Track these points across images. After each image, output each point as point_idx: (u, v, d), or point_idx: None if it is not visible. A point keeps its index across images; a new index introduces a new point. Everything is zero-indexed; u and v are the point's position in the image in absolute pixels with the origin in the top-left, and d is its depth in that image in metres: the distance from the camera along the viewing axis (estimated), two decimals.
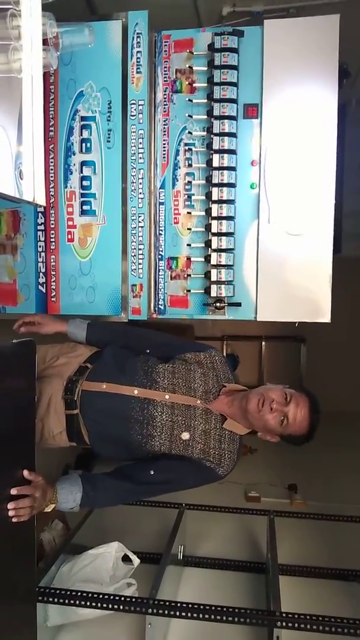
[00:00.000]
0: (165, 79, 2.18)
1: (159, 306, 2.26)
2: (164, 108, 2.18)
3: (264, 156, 2.12)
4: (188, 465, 1.59)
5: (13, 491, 1.37)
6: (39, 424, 1.64)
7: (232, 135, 2.08)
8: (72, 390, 1.66)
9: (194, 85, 2.15)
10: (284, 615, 1.91)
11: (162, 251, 2.24)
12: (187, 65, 2.15)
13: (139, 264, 2.19)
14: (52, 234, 2.24)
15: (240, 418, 1.59)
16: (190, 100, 2.15)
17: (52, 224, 2.24)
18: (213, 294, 2.15)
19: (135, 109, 2.14)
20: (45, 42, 1.22)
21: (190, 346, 1.76)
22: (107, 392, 1.63)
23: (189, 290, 2.21)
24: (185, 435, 1.57)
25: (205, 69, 2.12)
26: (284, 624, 1.88)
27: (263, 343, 5.44)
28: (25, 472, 1.42)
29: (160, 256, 2.24)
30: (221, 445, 1.59)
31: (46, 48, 1.21)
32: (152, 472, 1.58)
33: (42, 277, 2.27)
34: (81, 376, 1.68)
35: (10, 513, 1.36)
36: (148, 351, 1.73)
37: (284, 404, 1.52)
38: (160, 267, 2.24)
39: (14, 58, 1.14)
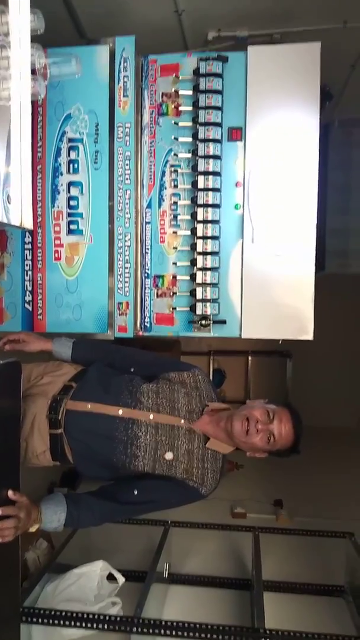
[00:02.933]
0: (151, 102, 2.23)
1: (145, 324, 2.28)
2: (150, 130, 2.23)
3: (247, 178, 2.17)
4: (171, 484, 1.60)
5: None
6: (23, 443, 1.64)
7: (216, 157, 2.13)
8: (56, 410, 1.66)
9: (179, 108, 2.20)
10: (268, 632, 1.91)
11: (148, 269, 2.27)
12: (173, 89, 2.20)
13: (126, 282, 2.22)
14: (39, 252, 2.27)
15: (224, 438, 1.60)
16: (176, 123, 2.20)
17: (40, 242, 2.26)
18: (198, 311, 2.18)
19: (122, 131, 2.18)
20: (33, 71, 1.25)
21: (173, 365, 1.77)
22: (92, 412, 1.63)
23: (174, 308, 2.24)
24: (169, 455, 1.58)
25: (191, 93, 2.17)
26: None
27: (249, 358, 5.48)
28: (10, 493, 1.42)
29: (146, 274, 2.27)
30: (204, 465, 1.61)
31: (34, 77, 1.25)
32: (135, 492, 1.59)
33: (29, 295, 2.28)
34: (65, 395, 1.68)
35: None
36: (132, 370, 1.74)
37: (268, 422, 1.54)
38: (146, 285, 2.27)
39: (2, 87, 1.17)
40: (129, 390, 1.65)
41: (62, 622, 1.97)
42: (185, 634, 1.92)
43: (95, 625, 1.98)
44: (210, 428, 1.62)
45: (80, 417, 1.64)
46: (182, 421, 1.61)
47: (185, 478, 1.60)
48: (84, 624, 1.97)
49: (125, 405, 1.62)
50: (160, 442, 1.59)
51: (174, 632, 1.92)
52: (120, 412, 1.61)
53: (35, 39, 1.23)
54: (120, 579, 2.34)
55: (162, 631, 1.93)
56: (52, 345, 1.81)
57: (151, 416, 1.60)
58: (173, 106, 2.21)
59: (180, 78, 2.19)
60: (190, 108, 2.17)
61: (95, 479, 1.72)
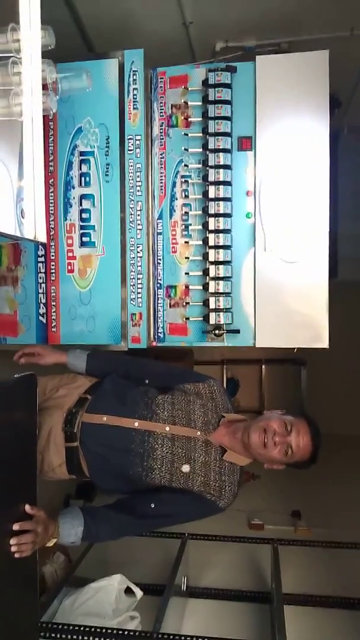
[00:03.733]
0: (161, 114, 2.24)
1: (159, 334, 2.28)
2: (161, 142, 2.24)
3: (258, 186, 2.17)
4: (189, 498, 1.59)
5: (15, 527, 1.37)
6: (39, 456, 1.64)
7: (227, 167, 2.14)
8: (72, 423, 1.65)
9: (189, 119, 2.21)
10: None
11: (160, 280, 2.27)
12: (183, 101, 2.22)
13: (138, 293, 2.22)
14: (53, 265, 2.28)
15: (241, 450, 1.58)
16: (186, 134, 2.20)
17: (53, 255, 2.28)
18: (212, 321, 2.18)
19: (132, 144, 2.19)
20: (45, 86, 1.27)
21: (189, 376, 1.76)
22: (108, 424, 1.62)
23: (187, 318, 2.24)
24: (186, 468, 1.56)
25: (200, 103, 2.18)
26: None
27: (263, 367, 5.45)
28: (27, 507, 1.42)
29: (159, 285, 2.27)
30: (222, 477, 1.59)
31: (46, 92, 1.26)
32: (152, 505, 1.58)
33: (43, 308, 2.29)
34: (81, 408, 1.68)
35: (13, 549, 1.35)
36: (147, 381, 1.73)
37: (286, 434, 1.52)
38: (159, 296, 2.27)
39: (14, 102, 1.18)
40: (145, 402, 1.64)
41: (80, 637, 1.95)
42: None
43: None
44: (227, 440, 1.60)
45: (96, 429, 1.63)
46: (199, 433, 1.60)
47: (202, 491, 1.58)
48: (102, 639, 1.95)
49: (141, 417, 1.61)
50: (176, 454, 1.57)
51: None
52: (136, 424, 1.60)
53: (45, 54, 1.25)
54: (139, 593, 2.32)
55: None
56: (67, 357, 1.81)
57: (167, 428, 1.59)
58: (182, 117, 2.22)
59: (189, 89, 2.21)
60: (199, 119, 2.18)
61: (112, 492, 1.71)
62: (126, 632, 2.00)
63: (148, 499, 1.59)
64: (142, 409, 1.63)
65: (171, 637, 1.92)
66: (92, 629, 1.96)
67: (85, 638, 1.95)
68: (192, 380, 1.71)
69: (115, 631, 1.98)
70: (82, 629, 1.97)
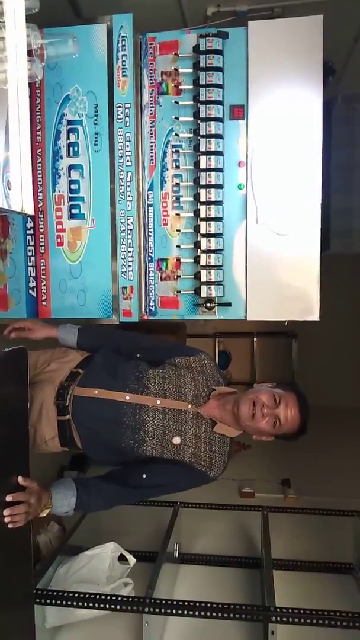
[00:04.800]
0: (151, 82, 2.18)
1: (150, 307, 2.27)
2: (151, 110, 2.19)
3: (250, 157, 2.13)
4: (180, 468, 1.61)
5: (8, 498, 1.39)
6: (31, 430, 1.65)
7: (218, 136, 2.09)
8: (63, 396, 1.66)
9: (179, 87, 2.15)
10: (278, 610, 1.94)
11: (151, 253, 2.25)
12: (173, 67, 2.16)
13: (129, 266, 2.20)
14: (42, 238, 2.25)
15: (231, 422, 1.60)
16: (177, 103, 2.15)
17: (41, 228, 2.24)
18: (203, 294, 2.17)
19: (121, 112, 2.14)
20: (30, 53, 1.22)
21: (179, 350, 1.77)
22: (99, 397, 1.64)
23: (179, 291, 2.23)
24: (177, 440, 1.58)
25: (191, 70, 2.12)
26: (278, 618, 1.92)
27: (255, 339, 5.48)
28: (20, 479, 1.44)
29: (150, 258, 2.25)
30: (212, 449, 1.61)
31: (31, 59, 1.22)
32: (144, 476, 1.60)
33: (33, 281, 2.27)
34: (72, 382, 1.69)
35: (6, 519, 1.37)
36: (138, 355, 1.74)
37: (275, 406, 1.54)
38: (150, 269, 2.26)
39: None
40: (136, 376, 1.65)
41: (75, 603, 2.01)
42: (197, 613, 1.95)
43: (107, 606, 2.01)
44: (217, 412, 1.62)
45: (88, 403, 1.64)
46: (189, 406, 1.62)
47: (193, 462, 1.60)
48: (96, 605, 2.00)
49: (132, 391, 1.62)
50: (167, 426, 1.59)
51: (185, 612, 1.95)
52: (128, 397, 1.62)
53: (30, 19, 1.20)
54: (132, 560, 2.38)
55: (174, 611, 1.96)
56: (58, 332, 1.81)
57: (158, 401, 1.61)
58: (173, 85, 2.16)
59: (180, 56, 2.14)
60: (190, 86, 2.13)
61: (104, 464, 1.73)
62: (119, 598, 2.06)
63: (140, 470, 1.61)
64: (133, 382, 1.64)
65: (163, 602, 1.98)
66: (86, 595, 2.01)
67: (80, 604, 2.00)
68: (182, 354, 1.72)
69: (109, 597, 2.04)
70: (76, 595, 2.02)
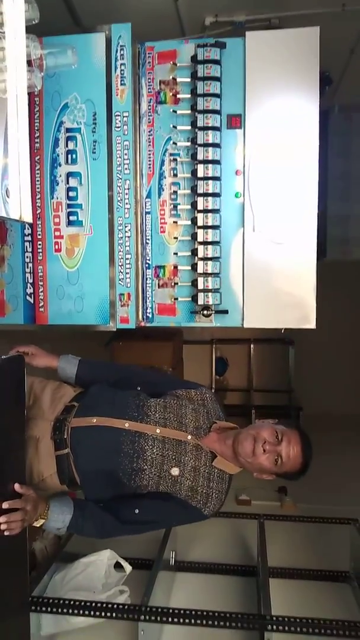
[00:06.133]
0: (149, 90, 2.20)
1: (147, 314, 2.28)
2: (149, 119, 2.21)
3: (247, 166, 2.15)
4: (173, 505, 1.58)
5: (5, 505, 1.38)
6: (28, 468, 1.61)
7: (216, 145, 2.11)
8: (60, 429, 1.62)
9: (177, 96, 2.17)
10: (274, 618, 1.93)
11: (149, 260, 2.26)
12: (171, 77, 2.18)
13: (127, 273, 2.21)
14: (39, 244, 2.26)
15: (231, 458, 1.57)
16: (175, 111, 2.17)
17: (39, 234, 2.25)
18: (200, 301, 2.17)
19: (120, 120, 2.16)
20: (29, 63, 1.23)
21: (181, 384, 1.77)
22: (98, 425, 1.60)
23: (176, 299, 2.24)
24: (175, 471, 1.55)
25: (189, 80, 2.14)
26: (274, 627, 1.91)
27: (252, 346, 5.48)
28: (17, 486, 1.43)
29: (147, 265, 2.26)
30: (209, 484, 1.58)
31: (30, 69, 1.23)
32: (136, 511, 1.57)
33: (30, 288, 2.28)
34: (69, 414, 1.65)
35: (2, 527, 1.37)
36: (139, 388, 1.71)
37: (276, 443, 1.51)
38: (147, 276, 2.26)
39: None
40: (136, 404, 1.63)
41: (70, 610, 2.00)
42: (193, 621, 1.94)
43: (103, 614, 2.00)
44: (218, 446, 1.59)
45: (86, 432, 1.61)
46: (190, 437, 1.59)
47: (188, 497, 1.57)
48: (92, 613, 1.99)
49: (131, 418, 1.60)
50: (166, 456, 1.56)
51: (181, 620, 1.95)
52: (127, 424, 1.59)
53: (29, 29, 1.21)
54: (127, 568, 2.37)
55: (170, 619, 1.95)
56: (58, 362, 1.78)
57: (158, 430, 1.58)
58: (171, 94, 2.18)
59: (178, 65, 2.16)
60: (188, 95, 2.15)
61: (98, 501, 1.64)
62: (115, 606, 2.05)
63: (132, 504, 1.58)
64: (133, 410, 1.61)
65: (159, 610, 1.97)
66: (82, 603, 2.00)
67: (76, 612, 1.99)
68: (184, 387, 1.72)
69: (104, 605, 2.03)
70: (72, 602, 2.01)
